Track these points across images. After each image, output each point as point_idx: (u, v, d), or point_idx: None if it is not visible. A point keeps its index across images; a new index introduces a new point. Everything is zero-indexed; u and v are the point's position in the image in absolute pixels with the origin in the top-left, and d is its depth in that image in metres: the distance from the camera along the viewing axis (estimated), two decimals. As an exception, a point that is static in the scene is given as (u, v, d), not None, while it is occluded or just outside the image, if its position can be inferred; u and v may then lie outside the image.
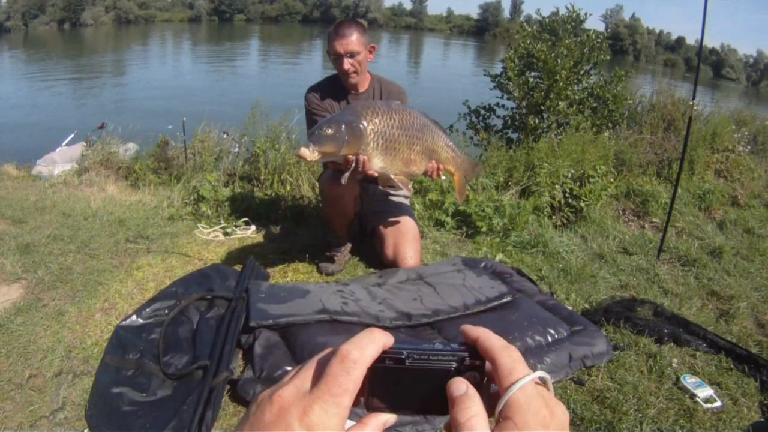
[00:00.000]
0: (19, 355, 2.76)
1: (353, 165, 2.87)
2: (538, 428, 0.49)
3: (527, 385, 0.52)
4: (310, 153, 2.68)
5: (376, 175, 2.99)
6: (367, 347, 0.52)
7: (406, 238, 3.74)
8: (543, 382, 0.54)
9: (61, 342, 2.88)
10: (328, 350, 0.54)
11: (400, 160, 3.00)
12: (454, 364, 0.54)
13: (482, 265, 3.73)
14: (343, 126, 2.78)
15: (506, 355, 0.54)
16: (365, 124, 2.85)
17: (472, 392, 0.52)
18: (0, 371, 2.65)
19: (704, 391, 2.66)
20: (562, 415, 0.52)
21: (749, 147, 7.36)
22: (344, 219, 3.84)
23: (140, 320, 3.00)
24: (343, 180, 2.93)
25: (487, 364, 0.55)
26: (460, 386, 0.53)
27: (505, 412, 0.51)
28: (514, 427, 0.49)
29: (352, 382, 0.51)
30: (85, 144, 6.60)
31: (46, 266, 3.59)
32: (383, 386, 0.54)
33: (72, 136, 7.27)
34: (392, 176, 3.02)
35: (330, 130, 2.74)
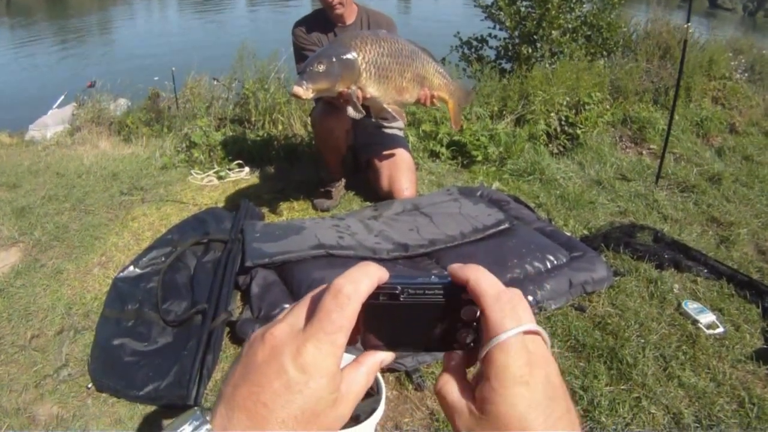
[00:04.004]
0: (21, 317, 2.79)
1: (352, 97, 2.82)
2: (517, 400, 0.46)
3: (511, 341, 0.47)
4: (304, 91, 2.64)
5: (374, 97, 2.94)
6: (361, 281, 0.49)
7: (400, 170, 3.70)
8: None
9: (60, 300, 2.90)
10: (322, 286, 0.51)
11: (393, 89, 2.95)
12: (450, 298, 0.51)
13: (478, 193, 3.71)
14: (335, 60, 2.72)
15: (498, 308, 0.49)
16: (356, 54, 2.79)
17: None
18: (2, 335, 2.68)
19: (706, 317, 2.66)
20: (547, 380, 0.48)
21: (746, 75, 7.22)
22: (337, 153, 3.81)
23: (138, 270, 3.00)
24: (356, 114, 2.88)
25: None
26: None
27: (484, 370, 0.48)
28: (490, 390, 0.47)
29: (346, 319, 0.48)
30: (75, 104, 6.50)
31: (42, 227, 3.60)
32: (379, 323, 0.51)
33: (62, 97, 7.11)
34: (385, 106, 2.98)
35: (322, 66, 2.68)
